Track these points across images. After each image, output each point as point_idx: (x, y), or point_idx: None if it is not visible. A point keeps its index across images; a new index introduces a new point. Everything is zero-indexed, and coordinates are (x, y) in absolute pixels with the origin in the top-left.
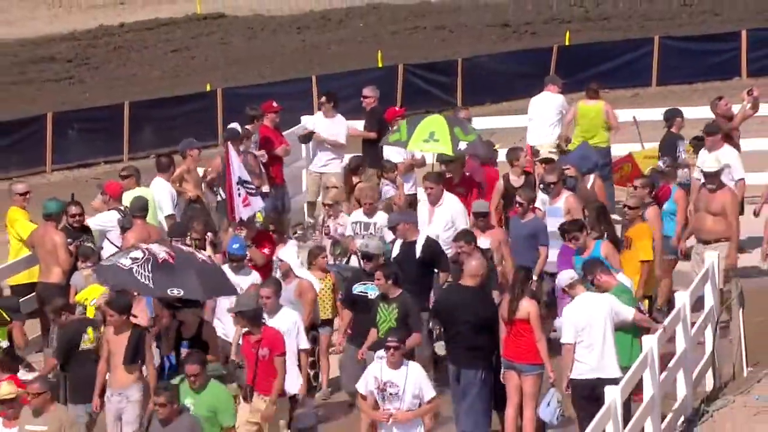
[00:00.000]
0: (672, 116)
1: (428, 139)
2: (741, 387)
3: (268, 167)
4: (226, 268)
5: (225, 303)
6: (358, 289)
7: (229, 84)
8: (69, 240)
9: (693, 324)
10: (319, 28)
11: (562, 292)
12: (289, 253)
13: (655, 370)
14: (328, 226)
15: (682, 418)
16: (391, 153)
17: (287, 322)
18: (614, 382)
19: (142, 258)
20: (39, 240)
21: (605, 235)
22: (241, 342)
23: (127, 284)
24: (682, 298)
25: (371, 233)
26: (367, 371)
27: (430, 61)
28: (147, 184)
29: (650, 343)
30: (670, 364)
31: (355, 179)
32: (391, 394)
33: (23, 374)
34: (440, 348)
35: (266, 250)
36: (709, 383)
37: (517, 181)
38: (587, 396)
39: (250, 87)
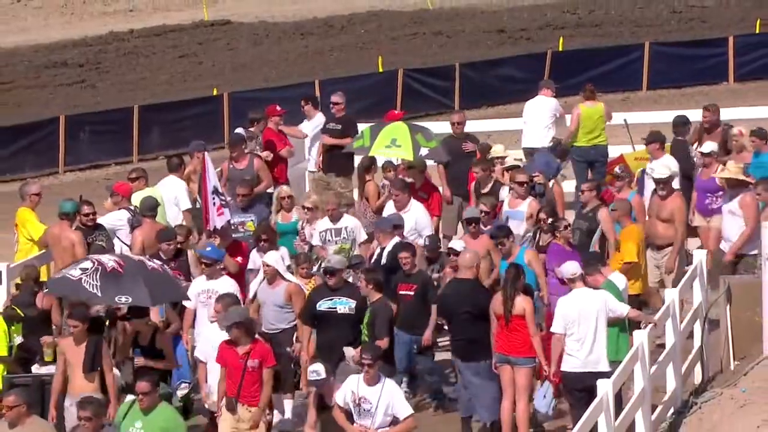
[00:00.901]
0: (680, 123)
1: (390, 145)
2: (728, 380)
3: (273, 168)
4: (202, 278)
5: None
6: (325, 305)
7: (234, 88)
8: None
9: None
10: (322, 34)
11: (560, 283)
12: (275, 257)
13: (646, 364)
14: (304, 232)
15: (671, 410)
16: None
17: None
18: (603, 375)
19: (91, 268)
20: (55, 239)
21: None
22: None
23: (76, 294)
24: (672, 295)
25: (344, 237)
26: (345, 383)
27: (428, 66)
28: (154, 185)
29: (641, 338)
30: (660, 358)
31: (367, 177)
32: (365, 409)
33: (36, 369)
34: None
35: (239, 259)
36: (697, 376)
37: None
38: (578, 388)
39: (255, 91)
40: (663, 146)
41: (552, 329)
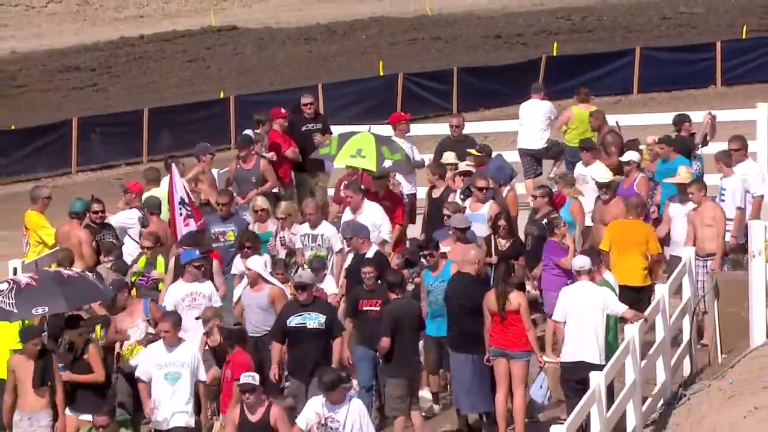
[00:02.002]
0: (680, 121)
1: (355, 155)
2: (716, 372)
3: (277, 169)
4: (181, 282)
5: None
6: (295, 321)
7: (241, 91)
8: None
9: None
10: (325, 39)
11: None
12: (257, 261)
13: (637, 357)
14: (283, 237)
15: (661, 401)
16: None
17: (186, 355)
18: (597, 368)
19: (7, 288)
20: (64, 236)
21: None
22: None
23: None
24: (662, 290)
25: (319, 244)
26: (307, 406)
27: (427, 70)
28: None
29: (632, 332)
30: (650, 352)
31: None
32: (332, 429)
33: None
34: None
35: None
36: (686, 369)
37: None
38: (575, 380)
39: (261, 94)
40: (595, 154)
41: (552, 318)
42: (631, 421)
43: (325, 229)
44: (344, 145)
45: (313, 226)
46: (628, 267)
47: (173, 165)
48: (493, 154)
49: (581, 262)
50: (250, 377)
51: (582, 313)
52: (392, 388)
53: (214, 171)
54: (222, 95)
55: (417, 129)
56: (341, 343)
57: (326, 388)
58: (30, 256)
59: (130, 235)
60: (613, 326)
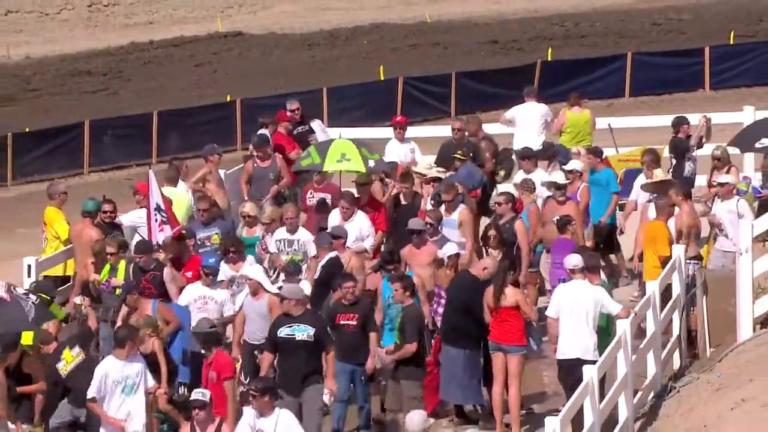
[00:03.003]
0: (679, 123)
1: (341, 159)
2: (704, 366)
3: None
4: (198, 284)
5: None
6: (284, 332)
7: (246, 95)
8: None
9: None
10: (328, 45)
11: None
12: (256, 270)
13: (628, 351)
14: (266, 242)
15: (652, 394)
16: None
17: (136, 369)
18: (592, 363)
19: None
20: (77, 235)
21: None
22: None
23: None
24: (652, 287)
25: (295, 249)
26: (243, 418)
27: (426, 75)
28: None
29: (623, 326)
30: (641, 346)
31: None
32: None
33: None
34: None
35: (189, 274)
36: (676, 362)
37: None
38: (572, 374)
39: (266, 98)
40: (536, 162)
41: (547, 313)
42: (622, 413)
43: (302, 234)
44: (327, 153)
45: (291, 231)
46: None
47: (151, 173)
48: None
49: (575, 260)
50: (200, 394)
51: (575, 310)
52: (412, 389)
53: (221, 171)
54: (228, 99)
55: (417, 131)
56: (333, 354)
57: (260, 390)
58: (47, 251)
59: (140, 234)
60: (606, 324)
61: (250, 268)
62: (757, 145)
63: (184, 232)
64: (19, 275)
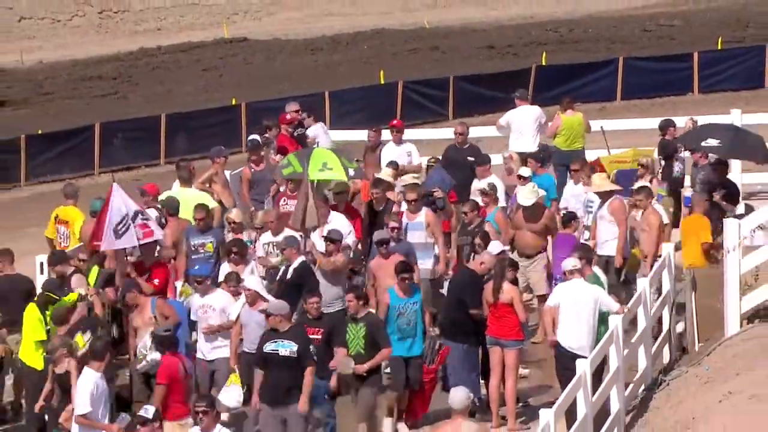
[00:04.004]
0: (666, 125)
1: (322, 168)
2: (693, 360)
3: None
4: (197, 295)
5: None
6: (270, 347)
7: (251, 99)
8: None
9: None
10: (330, 50)
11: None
12: (254, 281)
13: (620, 346)
14: (255, 247)
15: (642, 387)
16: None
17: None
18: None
19: None
20: (86, 234)
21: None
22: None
23: None
24: (643, 284)
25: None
26: None
27: (425, 79)
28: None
29: (615, 322)
30: (633, 340)
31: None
32: None
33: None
34: None
35: (156, 281)
36: (666, 357)
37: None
38: (569, 368)
39: (270, 101)
40: (489, 168)
41: (547, 303)
42: (614, 405)
43: (288, 235)
44: (309, 162)
45: (276, 233)
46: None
47: (114, 185)
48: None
49: (572, 262)
50: (144, 411)
51: (576, 308)
52: (369, 396)
53: (227, 172)
54: (234, 102)
55: (416, 134)
56: (311, 372)
57: (206, 406)
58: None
59: (209, 211)
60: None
61: (249, 278)
62: (703, 144)
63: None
64: (32, 273)
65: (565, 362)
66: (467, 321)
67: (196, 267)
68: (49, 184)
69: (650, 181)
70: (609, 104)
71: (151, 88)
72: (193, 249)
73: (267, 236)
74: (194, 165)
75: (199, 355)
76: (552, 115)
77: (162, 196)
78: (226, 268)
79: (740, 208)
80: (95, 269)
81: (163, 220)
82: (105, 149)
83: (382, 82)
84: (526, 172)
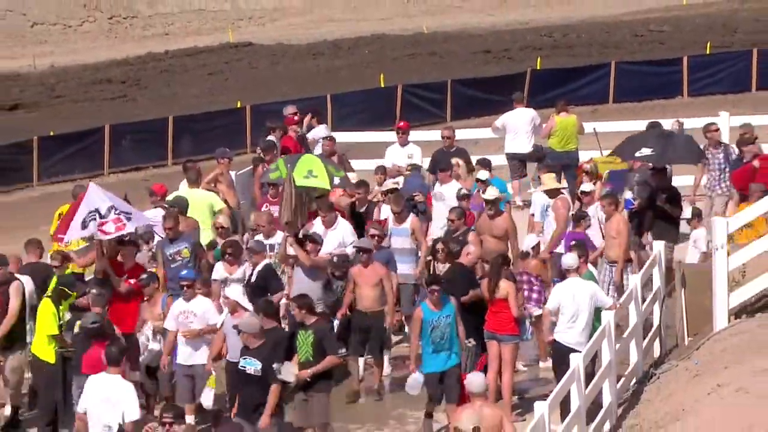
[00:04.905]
0: (652, 127)
1: (308, 175)
2: (683, 353)
3: None
4: (181, 300)
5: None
6: (240, 363)
7: (255, 101)
8: None
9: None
10: (332, 55)
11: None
12: (236, 290)
13: (612, 340)
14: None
15: (634, 380)
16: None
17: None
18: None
19: None
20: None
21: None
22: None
23: None
24: (634, 280)
25: (276, 252)
26: None
27: (424, 82)
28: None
29: (608, 317)
30: (624, 335)
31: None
32: None
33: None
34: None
35: (131, 281)
36: (656, 351)
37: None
38: (566, 362)
39: (274, 104)
40: (451, 174)
41: (546, 306)
42: (607, 398)
43: (279, 238)
44: (295, 168)
45: (267, 236)
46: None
47: (91, 183)
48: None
49: (570, 261)
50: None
51: (575, 304)
52: (322, 402)
53: (232, 173)
54: (239, 105)
55: (414, 135)
56: (276, 390)
57: (174, 416)
58: (72, 246)
59: (156, 232)
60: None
61: (229, 288)
62: (637, 154)
63: (126, 237)
64: None
65: (561, 357)
66: (463, 314)
67: (184, 272)
68: (60, 184)
69: (594, 185)
70: (601, 107)
71: (158, 92)
72: (170, 258)
73: (258, 239)
74: (200, 166)
75: (179, 360)
76: (547, 117)
77: (170, 197)
78: (219, 267)
79: (687, 213)
80: (54, 278)
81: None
82: (114, 150)
83: (383, 85)
84: (483, 175)
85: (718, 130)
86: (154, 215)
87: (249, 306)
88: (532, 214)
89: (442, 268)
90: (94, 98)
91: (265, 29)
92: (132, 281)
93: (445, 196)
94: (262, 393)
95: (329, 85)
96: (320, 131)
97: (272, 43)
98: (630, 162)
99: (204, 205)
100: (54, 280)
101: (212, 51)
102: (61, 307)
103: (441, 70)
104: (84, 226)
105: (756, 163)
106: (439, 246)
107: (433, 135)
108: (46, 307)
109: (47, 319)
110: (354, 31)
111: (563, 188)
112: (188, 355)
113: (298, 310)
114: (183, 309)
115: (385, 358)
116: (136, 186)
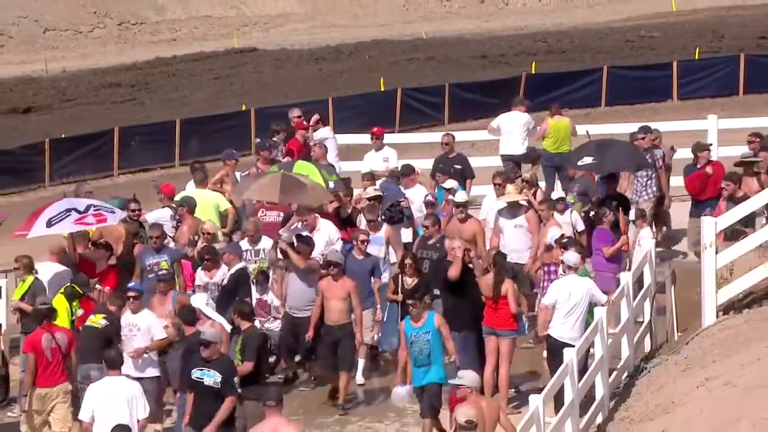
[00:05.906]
0: (646, 132)
1: None
2: (673, 348)
3: None
4: (128, 312)
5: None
6: (196, 374)
7: (260, 105)
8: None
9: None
10: (333, 59)
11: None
12: (200, 299)
13: (605, 336)
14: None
15: (625, 374)
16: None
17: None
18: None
19: None
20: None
21: None
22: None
23: None
24: (626, 278)
25: (262, 258)
26: None
27: (422, 86)
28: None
29: (600, 313)
30: (616, 330)
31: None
32: None
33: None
34: None
35: (107, 288)
36: (647, 345)
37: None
38: (559, 357)
39: (277, 107)
40: (414, 179)
41: (543, 301)
42: (599, 391)
43: (266, 243)
44: (290, 171)
45: (254, 242)
46: None
47: (65, 196)
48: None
49: (574, 259)
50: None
51: (571, 303)
52: (256, 407)
53: (237, 174)
54: (244, 108)
55: (413, 137)
56: (230, 403)
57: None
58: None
59: (165, 232)
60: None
61: (194, 297)
62: (580, 163)
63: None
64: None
65: (556, 352)
66: (460, 307)
67: (131, 283)
68: (71, 185)
69: (534, 194)
70: (594, 110)
71: (166, 95)
72: (147, 268)
73: (245, 244)
74: (206, 167)
75: (126, 371)
76: (541, 120)
77: (177, 197)
78: (200, 274)
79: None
80: (30, 278)
81: (176, 220)
82: (123, 152)
83: (383, 89)
84: (449, 184)
85: (644, 138)
86: (161, 215)
87: (213, 314)
88: (485, 219)
89: (410, 282)
90: (104, 101)
91: (269, 35)
92: (107, 289)
93: (412, 200)
94: (218, 405)
95: (331, 88)
96: (324, 133)
97: (276, 49)
98: (571, 172)
99: (211, 205)
100: (30, 280)
101: (218, 56)
102: (74, 303)
103: (439, 75)
104: (49, 225)
105: (709, 169)
106: (408, 261)
107: (432, 137)
108: (60, 303)
109: (61, 315)
110: (355, 37)
111: (523, 200)
112: (134, 369)
113: (234, 315)
114: (128, 322)
115: (360, 367)
116: (145, 187)
